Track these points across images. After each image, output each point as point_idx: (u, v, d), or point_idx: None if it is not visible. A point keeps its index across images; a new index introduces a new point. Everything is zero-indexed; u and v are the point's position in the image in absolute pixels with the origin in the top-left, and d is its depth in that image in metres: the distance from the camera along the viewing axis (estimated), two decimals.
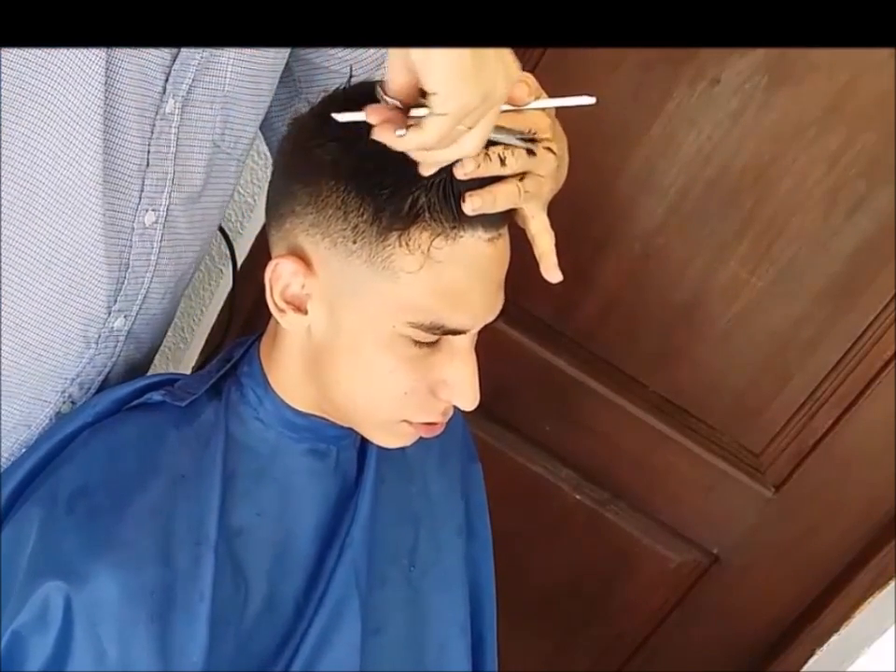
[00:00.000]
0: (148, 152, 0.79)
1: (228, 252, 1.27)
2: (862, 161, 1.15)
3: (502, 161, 0.69)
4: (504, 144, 0.70)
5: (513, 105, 0.71)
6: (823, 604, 1.38)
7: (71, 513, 0.76)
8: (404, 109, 0.64)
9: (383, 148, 0.66)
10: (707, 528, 1.41)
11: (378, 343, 0.74)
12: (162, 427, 0.82)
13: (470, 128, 0.64)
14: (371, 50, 0.93)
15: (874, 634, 1.30)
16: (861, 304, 1.22)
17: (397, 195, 0.69)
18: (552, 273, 0.76)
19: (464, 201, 0.69)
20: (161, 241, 0.84)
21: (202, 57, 0.79)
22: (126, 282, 0.84)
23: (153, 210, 0.82)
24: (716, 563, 1.43)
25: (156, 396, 0.84)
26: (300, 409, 0.83)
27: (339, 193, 0.70)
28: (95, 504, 0.77)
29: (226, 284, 1.32)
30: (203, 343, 1.41)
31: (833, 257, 1.21)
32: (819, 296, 1.23)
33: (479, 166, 0.68)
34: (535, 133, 0.72)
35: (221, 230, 1.26)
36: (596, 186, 1.23)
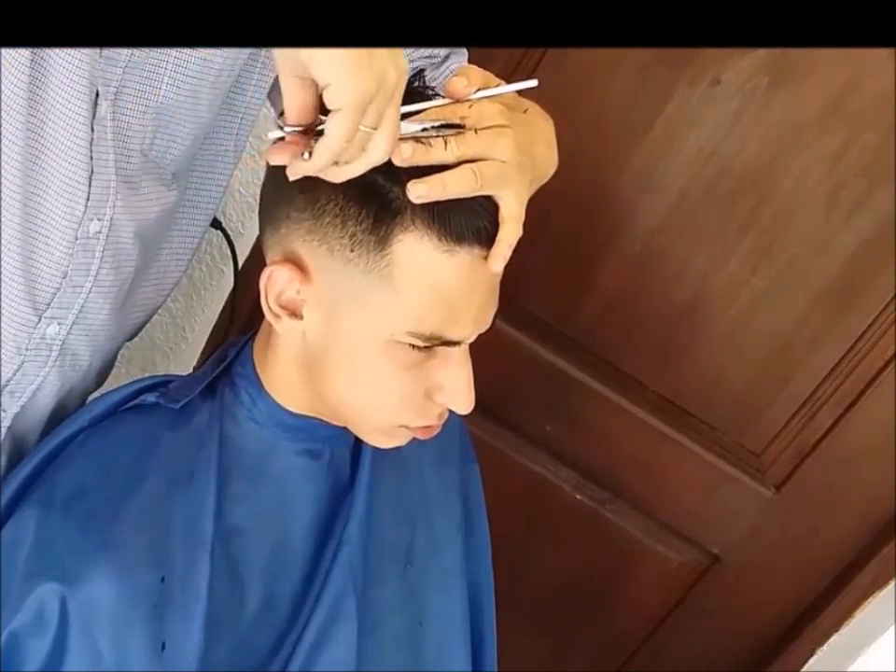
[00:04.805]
0: (91, 158, 0.78)
1: (229, 252, 1.27)
2: (862, 160, 1.15)
3: (445, 145, 0.67)
4: (425, 136, 0.68)
5: (455, 98, 0.70)
6: (823, 604, 1.38)
7: (67, 515, 0.76)
8: (308, 132, 0.64)
9: None
10: (708, 528, 1.41)
11: (375, 350, 0.74)
12: (157, 429, 0.82)
13: (375, 129, 0.62)
14: None
15: (874, 634, 1.30)
16: (861, 304, 1.22)
17: (395, 206, 0.69)
18: (493, 260, 0.72)
19: (409, 190, 0.67)
20: (103, 251, 0.82)
21: (129, 58, 0.76)
22: (62, 290, 0.82)
23: (98, 219, 0.81)
24: (716, 563, 1.43)
25: (150, 398, 0.84)
26: (294, 410, 0.83)
27: (337, 201, 0.70)
28: (91, 506, 0.77)
29: (227, 284, 1.32)
30: (203, 342, 1.41)
31: (833, 257, 1.20)
32: (819, 296, 1.23)
33: (415, 151, 0.66)
34: (464, 119, 0.69)
35: (223, 229, 1.27)
36: (597, 186, 1.23)
